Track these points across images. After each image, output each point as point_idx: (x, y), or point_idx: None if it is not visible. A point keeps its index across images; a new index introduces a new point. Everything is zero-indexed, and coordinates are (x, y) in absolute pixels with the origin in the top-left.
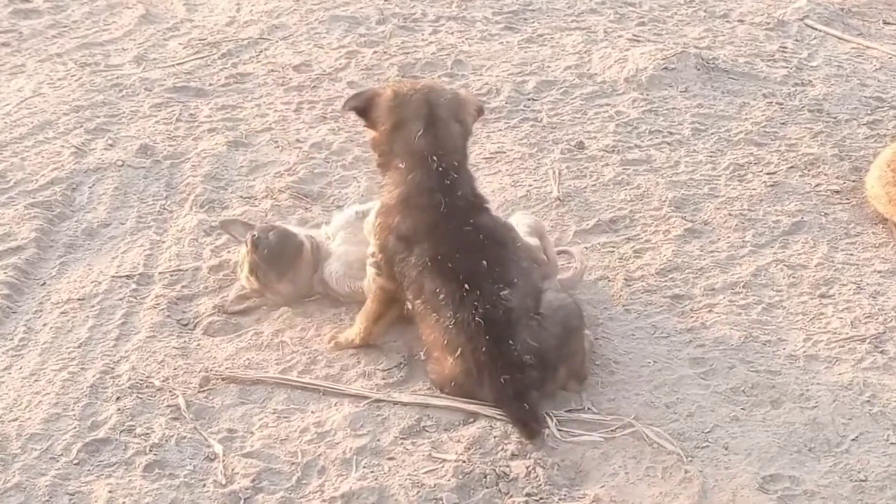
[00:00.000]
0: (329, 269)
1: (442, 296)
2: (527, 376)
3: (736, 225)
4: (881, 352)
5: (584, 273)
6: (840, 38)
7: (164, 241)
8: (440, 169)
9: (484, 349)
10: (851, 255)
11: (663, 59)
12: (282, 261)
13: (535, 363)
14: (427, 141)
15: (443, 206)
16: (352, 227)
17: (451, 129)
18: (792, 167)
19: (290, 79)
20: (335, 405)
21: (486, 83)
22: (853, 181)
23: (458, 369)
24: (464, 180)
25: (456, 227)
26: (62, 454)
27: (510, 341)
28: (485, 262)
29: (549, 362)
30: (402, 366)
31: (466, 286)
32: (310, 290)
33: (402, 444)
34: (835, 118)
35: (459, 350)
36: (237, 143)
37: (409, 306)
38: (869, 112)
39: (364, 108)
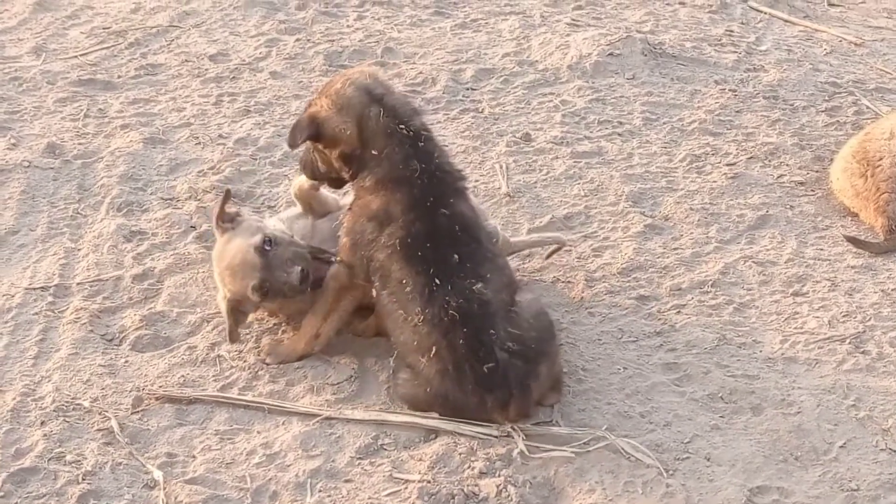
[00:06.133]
0: None
1: (408, 288)
2: (511, 364)
3: (698, 220)
4: (863, 352)
5: None
6: (786, 21)
7: (79, 249)
8: (411, 134)
9: (462, 342)
10: (822, 249)
11: (608, 44)
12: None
13: (518, 351)
14: (389, 115)
15: (419, 174)
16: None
17: (399, 97)
18: (752, 157)
19: (207, 69)
20: (283, 424)
21: (421, 72)
22: (816, 171)
23: (433, 371)
24: (436, 144)
25: (433, 207)
26: None
27: (491, 331)
28: (457, 256)
29: (531, 354)
30: (352, 379)
31: (437, 280)
32: None
33: (359, 464)
34: (791, 105)
35: (434, 349)
36: (154, 139)
37: (374, 295)
38: (826, 98)
39: (316, 133)
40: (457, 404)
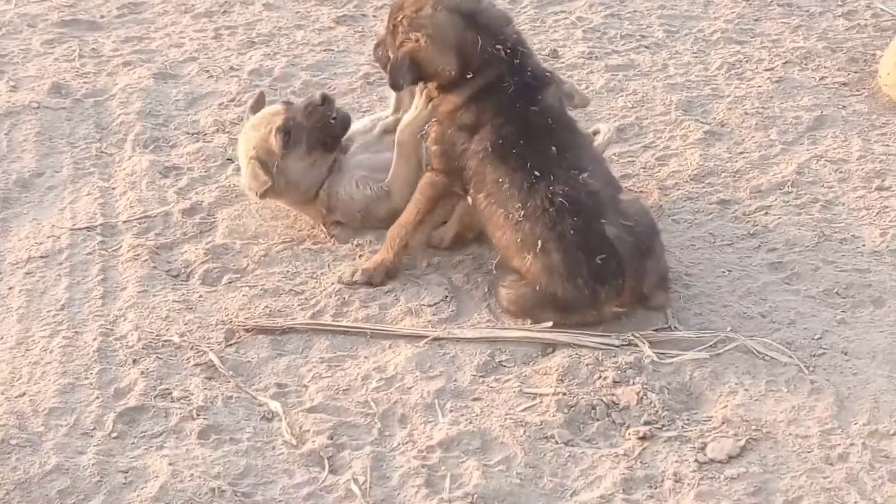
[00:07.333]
0: (347, 176)
1: (506, 186)
2: (624, 252)
3: (755, 124)
4: None
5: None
6: None
7: (114, 188)
8: (507, 53)
9: (572, 232)
10: (889, 146)
11: None
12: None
13: (631, 242)
14: (487, 38)
15: (511, 88)
16: (368, 136)
17: (493, 12)
18: (787, 62)
19: (194, 4)
20: (389, 348)
21: None
22: (856, 72)
23: (541, 266)
24: (530, 57)
25: (522, 108)
26: (95, 428)
27: (602, 219)
28: (554, 149)
29: (642, 246)
30: (448, 298)
31: (536, 173)
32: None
33: (483, 381)
34: (808, 11)
35: (540, 242)
36: (164, 75)
37: (470, 202)
38: (839, 3)
39: (417, 74)
40: (567, 299)
